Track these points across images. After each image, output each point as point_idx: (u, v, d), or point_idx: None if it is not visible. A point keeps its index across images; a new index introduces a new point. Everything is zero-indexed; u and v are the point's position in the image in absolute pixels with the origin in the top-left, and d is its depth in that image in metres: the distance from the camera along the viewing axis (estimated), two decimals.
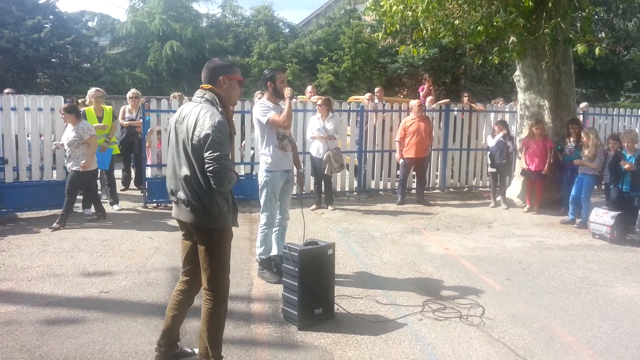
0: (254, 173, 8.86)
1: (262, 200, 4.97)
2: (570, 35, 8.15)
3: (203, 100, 3.06)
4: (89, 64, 21.25)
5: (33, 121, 7.66)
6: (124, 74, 20.71)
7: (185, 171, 3.03)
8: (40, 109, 7.59)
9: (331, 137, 7.97)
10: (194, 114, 3.00)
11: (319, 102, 8.22)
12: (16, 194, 7.37)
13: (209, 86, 3.11)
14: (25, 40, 17.88)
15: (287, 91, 4.77)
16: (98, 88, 8.28)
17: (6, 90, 9.19)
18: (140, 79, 20.46)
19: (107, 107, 8.11)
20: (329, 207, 8.25)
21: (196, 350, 3.50)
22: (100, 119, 7.82)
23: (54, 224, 6.68)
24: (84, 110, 7.79)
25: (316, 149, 8.06)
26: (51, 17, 19.92)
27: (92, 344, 3.64)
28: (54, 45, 18.67)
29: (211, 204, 3.02)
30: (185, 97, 8.52)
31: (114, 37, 22.57)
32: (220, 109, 3.01)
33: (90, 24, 22.40)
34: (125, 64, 21.74)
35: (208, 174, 2.93)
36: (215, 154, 2.89)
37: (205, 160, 2.92)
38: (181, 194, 3.09)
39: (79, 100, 9.22)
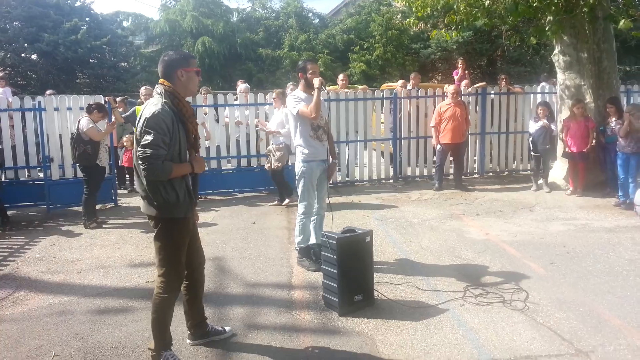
0: (289, 164, 8.93)
1: (299, 190, 5.01)
2: (611, 11, 7.83)
3: (156, 94, 3.11)
4: (125, 63, 21.87)
5: (75, 120, 7.91)
6: None
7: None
8: (81, 108, 7.83)
9: (275, 131, 7.65)
10: (144, 108, 3.08)
11: (274, 95, 7.97)
12: (63, 190, 7.68)
13: (162, 80, 3.13)
14: (64, 42, 18.51)
15: (316, 82, 4.74)
16: (147, 86, 8.35)
17: (48, 92, 9.50)
18: None
19: None
20: (285, 202, 7.84)
21: (227, 329, 3.68)
22: None
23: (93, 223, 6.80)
24: (134, 109, 7.98)
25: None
26: (87, 19, 20.57)
27: (141, 331, 3.77)
28: (91, 46, 19.27)
29: (155, 193, 3.05)
30: (215, 92, 8.65)
31: (149, 35, 23.08)
32: (165, 100, 3.03)
33: (125, 24, 23.01)
34: None
35: (137, 165, 2.99)
36: (143, 142, 2.93)
37: (137, 153, 2.97)
38: (136, 186, 3.20)
39: (117, 99, 9.45)
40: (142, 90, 8.21)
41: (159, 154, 2.93)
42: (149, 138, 2.92)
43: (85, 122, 6.74)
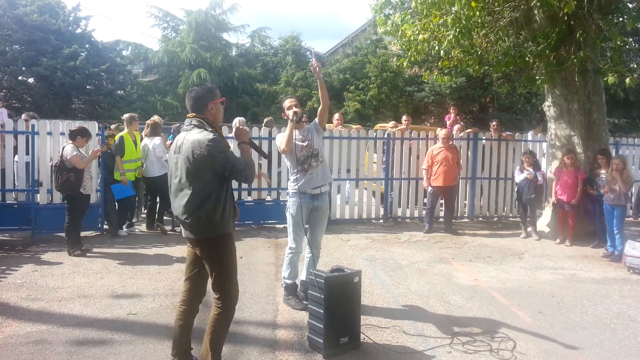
0: (280, 199, 8.90)
1: (287, 225, 4.99)
2: (600, 66, 8.06)
3: (192, 126, 3.30)
4: (122, 91, 21.99)
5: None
6: (156, 101, 21.32)
7: (186, 193, 3.23)
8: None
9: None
10: (188, 140, 3.24)
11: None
12: (49, 215, 7.56)
13: (193, 114, 3.34)
14: (62, 67, 18.62)
15: (290, 113, 4.75)
16: (132, 113, 8.46)
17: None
18: (171, 106, 21.00)
19: (139, 133, 8.32)
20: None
21: None
22: (135, 143, 8.01)
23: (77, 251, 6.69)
24: (121, 135, 7.95)
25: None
26: (87, 46, 20.79)
27: None
28: (89, 72, 19.40)
29: (207, 216, 3.21)
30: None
31: (147, 65, 23.32)
32: (209, 129, 3.27)
33: (124, 52, 23.26)
34: (157, 91, 22.39)
35: (235, 179, 3.25)
36: (229, 162, 3.18)
37: (226, 173, 3.20)
38: (183, 215, 3.27)
39: (111, 127, 9.44)
40: (126, 117, 8.19)
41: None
42: (228, 157, 3.18)
43: (69, 149, 6.60)
